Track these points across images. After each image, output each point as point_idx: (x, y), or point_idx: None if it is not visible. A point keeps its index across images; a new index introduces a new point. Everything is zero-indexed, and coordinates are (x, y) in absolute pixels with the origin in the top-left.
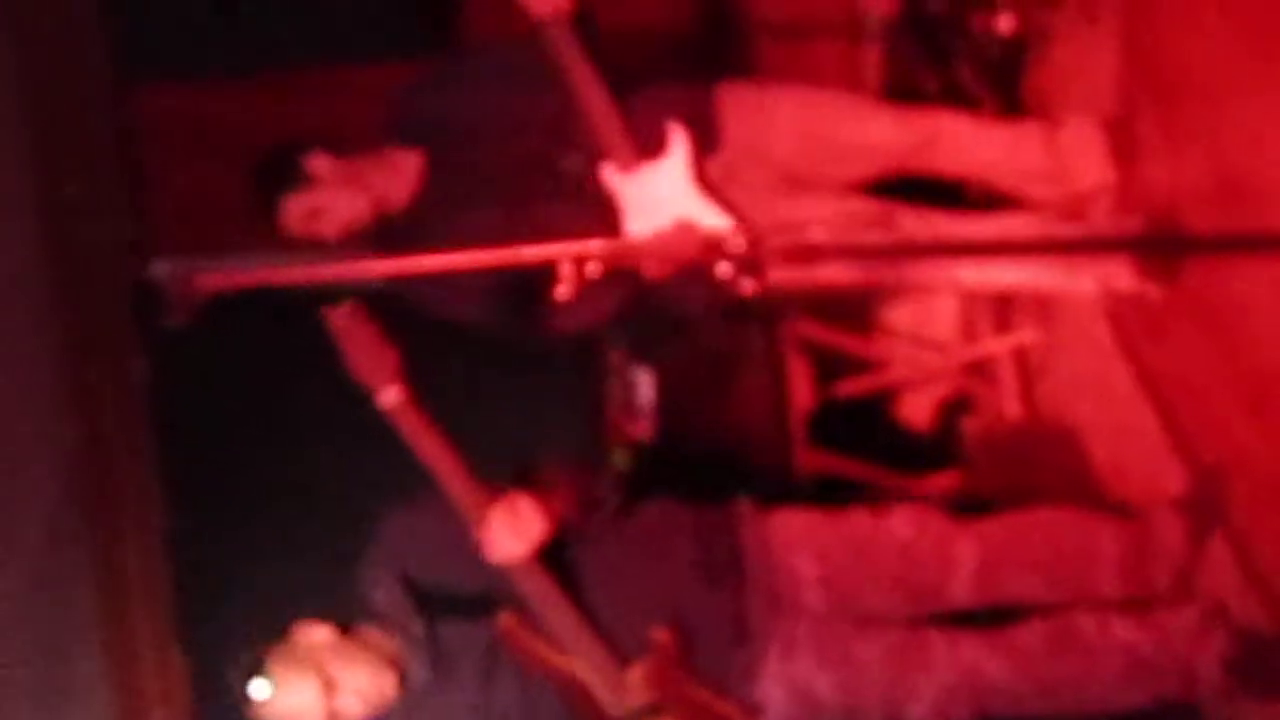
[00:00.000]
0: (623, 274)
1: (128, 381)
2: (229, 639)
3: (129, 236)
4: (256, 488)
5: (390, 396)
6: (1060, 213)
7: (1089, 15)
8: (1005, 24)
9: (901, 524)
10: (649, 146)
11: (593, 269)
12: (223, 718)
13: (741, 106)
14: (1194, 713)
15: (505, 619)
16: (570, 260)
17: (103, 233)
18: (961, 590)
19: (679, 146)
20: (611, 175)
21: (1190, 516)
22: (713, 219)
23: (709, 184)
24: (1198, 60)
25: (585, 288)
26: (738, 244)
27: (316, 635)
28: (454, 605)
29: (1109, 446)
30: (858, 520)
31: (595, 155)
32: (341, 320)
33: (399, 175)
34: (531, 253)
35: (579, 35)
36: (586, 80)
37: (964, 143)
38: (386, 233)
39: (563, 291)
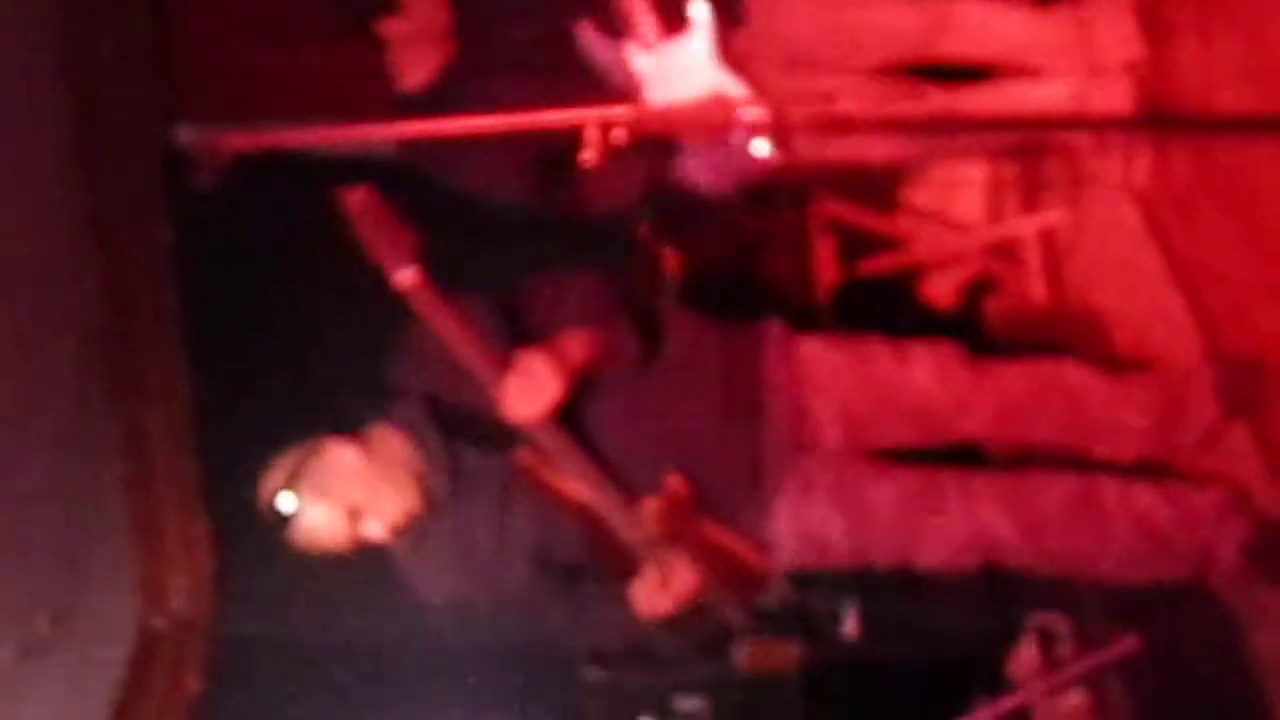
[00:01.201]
0: (650, 151)
1: (155, 247)
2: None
3: (159, 101)
4: (280, 355)
5: (406, 278)
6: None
7: None
8: None
9: (923, 372)
10: (672, 22)
11: (618, 135)
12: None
13: None
14: (1207, 596)
15: (523, 456)
16: (596, 125)
17: (133, 96)
18: (977, 428)
19: (703, 22)
20: (635, 52)
21: (1221, 390)
22: (736, 90)
23: (732, 59)
24: None
25: (612, 158)
26: (763, 114)
27: (346, 459)
28: (473, 430)
29: (1134, 331)
30: (881, 363)
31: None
32: (357, 202)
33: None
34: (557, 116)
35: None
36: None
37: (982, 22)
38: (410, 105)
39: (588, 158)
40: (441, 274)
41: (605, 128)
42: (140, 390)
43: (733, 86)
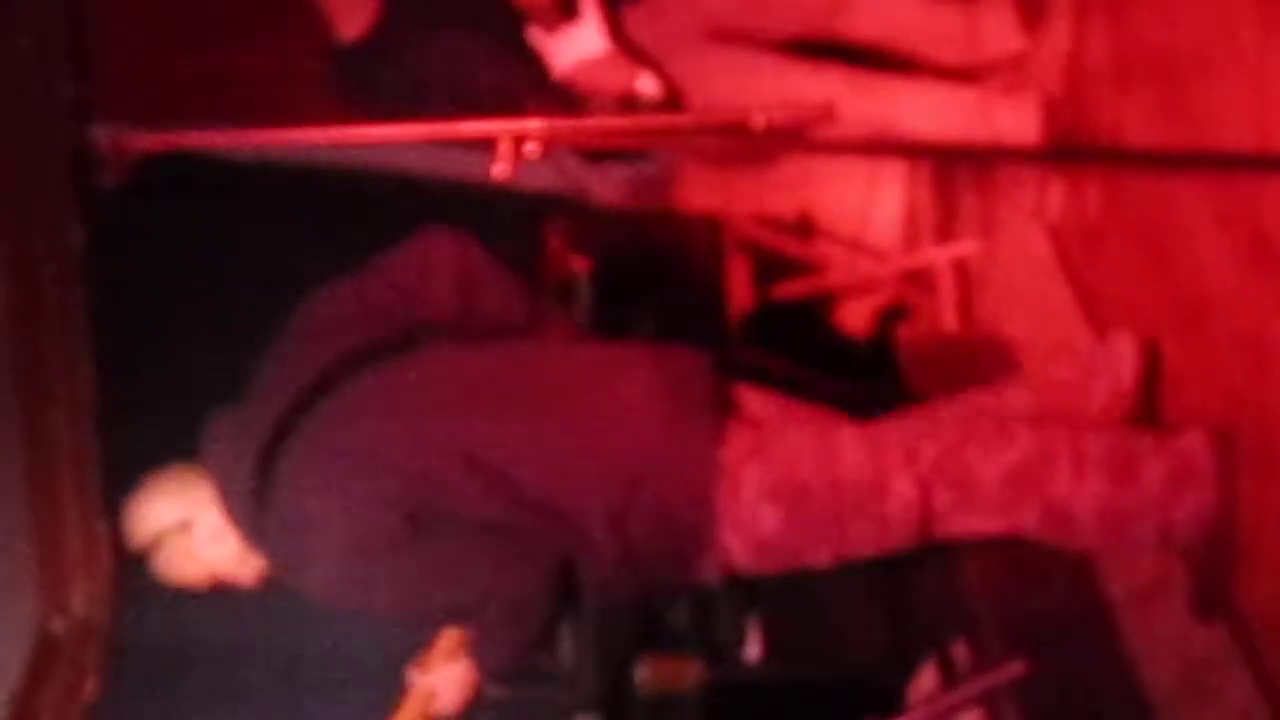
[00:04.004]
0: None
1: (65, 248)
2: None
3: (73, 99)
4: (186, 357)
5: None
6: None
7: None
8: None
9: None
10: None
11: (531, 149)
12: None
13: None
14: (1106, 623)
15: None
16: (509, 139)
17: (48, 93)
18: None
19: (589, 6)
20: (536, 35)
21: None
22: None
23: (630, 40)
24: None
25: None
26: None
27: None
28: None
29: (1042, 362)
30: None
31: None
32: None
33: None
34: (470, 127)
35: None
36: None
37: (881, 4)
38: (347, 59)
39: (500, 170)
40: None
41: (518, 140)
42: (44, 390)
43: (633, 71)
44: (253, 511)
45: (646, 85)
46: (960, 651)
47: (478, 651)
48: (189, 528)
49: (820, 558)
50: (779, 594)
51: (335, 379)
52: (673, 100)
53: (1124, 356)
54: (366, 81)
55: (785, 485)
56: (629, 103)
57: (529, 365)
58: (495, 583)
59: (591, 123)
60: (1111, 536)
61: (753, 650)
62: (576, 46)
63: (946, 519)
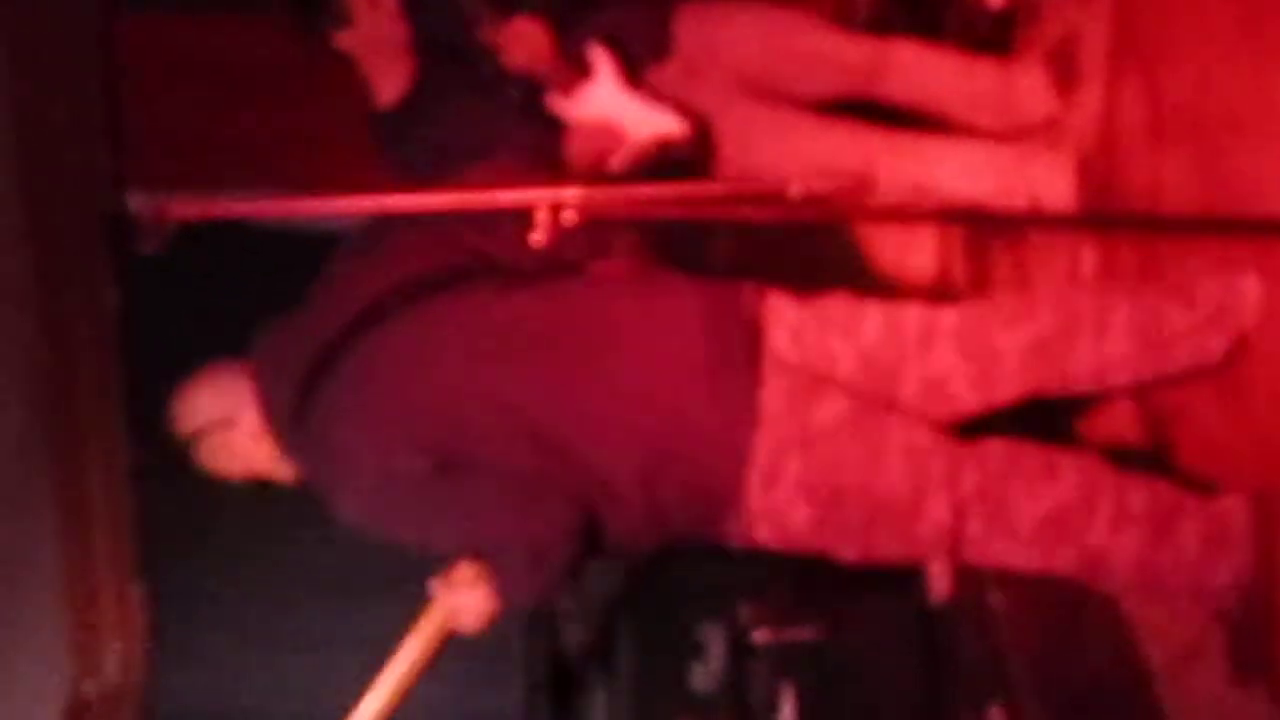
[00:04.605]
0: None
1: (99, 311)
2: (187, 571)
3: (108, 165)
4: None
5: None
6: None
7: None
8: None
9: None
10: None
11: (569, 216)
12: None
13: (698, 15)
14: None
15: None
16: (547, 207)
17: (82, 160)
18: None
19: (601, 63)
20: (556, 101)
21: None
22: (655, 119)
23: (653, 89)
24: (1185, 41)
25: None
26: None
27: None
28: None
29: None
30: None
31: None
32: None
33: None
34: (508, 196)
35: None
36: None
37: (918, 67)
38: (383, 122)
39: (538, 239)
40: None
41: (555, 209)
42: (80, 453)
43: (656, 117)
44: (290, 426)
45: (670, 125)
46: (997, 718)
47: (498, 588)
48: (231, 424)
49: (846, 555)
50: (813, 658)
51: (388, 310)
52: (703, 137)
53: (1245, 295)
54: (400, 142)
55: (823, 487)
56: (659, 148)
57: (572, 314)
58: (517, 531)
59: (628, 191)
60: (1144, 589)
61: (786, 715)
62: (595, 103)
63: (978, 547)
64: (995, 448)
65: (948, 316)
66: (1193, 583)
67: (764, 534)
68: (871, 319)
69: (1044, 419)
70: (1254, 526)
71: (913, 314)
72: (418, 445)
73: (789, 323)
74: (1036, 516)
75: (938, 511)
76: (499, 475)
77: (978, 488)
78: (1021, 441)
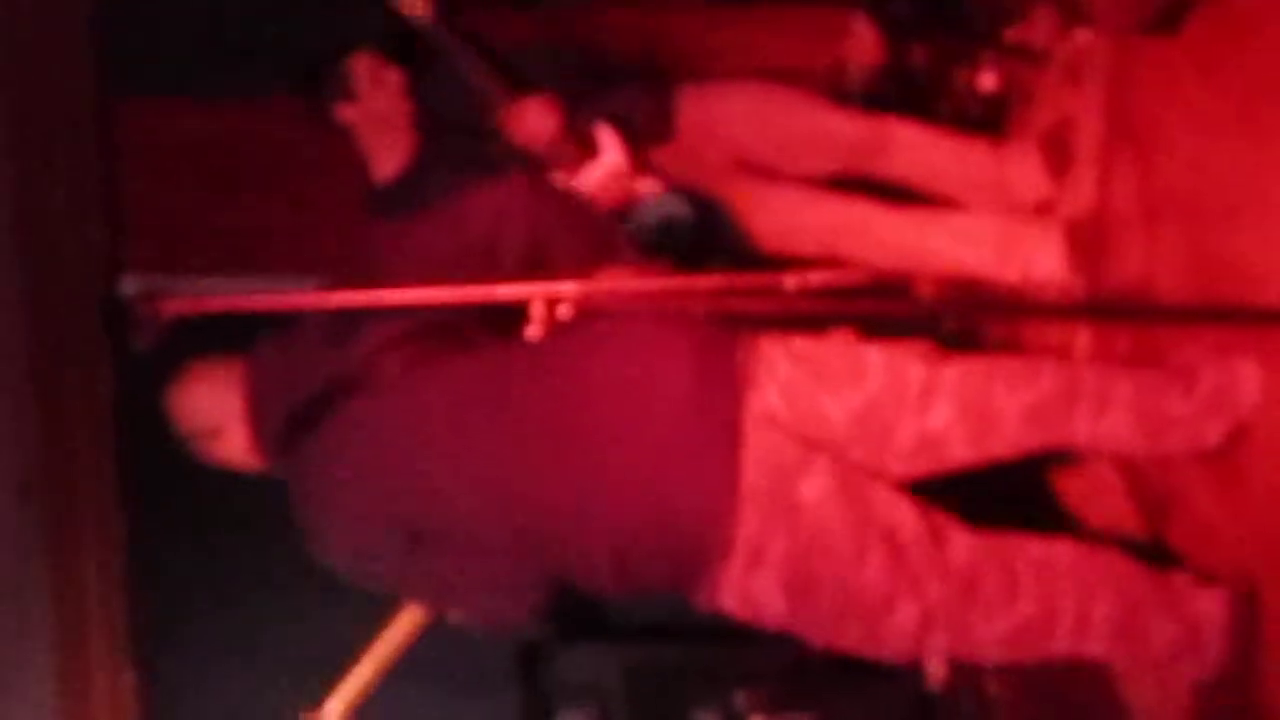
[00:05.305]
0: None
1: (95, 394)
2: (182, 660)
3: (105, 249)
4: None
5: None
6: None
7: (1072, 76)
8: (988, 81)
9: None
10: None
11: (564, 310)
12: None
13: (699, 95)
14: None
15: None
16: (542, 300)
17: (80, 243)
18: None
19: (607, 140)
20: (561, 179)
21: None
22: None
23: (655, 167)
24: (1179, 126)
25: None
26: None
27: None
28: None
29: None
30: None
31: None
32: None
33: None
34: (505, 291)
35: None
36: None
37: (915, 147)
38: (380, 198)
39: (533, 332)
40: None
41: (551, 302)
42: (75, 541)
43: (659, 196)
44: (276, 451)
45: (673, 205)
46: None
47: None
48: (219, 434)
49: (811, 639)
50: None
51: (381, 361)
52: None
53: (1244, 381)
54: (395, 216)
55: (802, 577)
56: (663, 226)
57: (556, 385)
58: (485, 610)
59: (625, 285)
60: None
61: None
62: (600, 181)
63: (942, 654)
64: (958, 556)
65: (950, 373)
66: (1158, 680)
67: (731, 607)
68: (874, 370)
69: (1033, 485)
70: (1232, 624)
71: (916, 370)
72: (395, 522)
73: (780, 380)
74: (995, 636)
75: (904, 616)
76: (472, 554)
77: (942, 599)
78: (986, 544)
